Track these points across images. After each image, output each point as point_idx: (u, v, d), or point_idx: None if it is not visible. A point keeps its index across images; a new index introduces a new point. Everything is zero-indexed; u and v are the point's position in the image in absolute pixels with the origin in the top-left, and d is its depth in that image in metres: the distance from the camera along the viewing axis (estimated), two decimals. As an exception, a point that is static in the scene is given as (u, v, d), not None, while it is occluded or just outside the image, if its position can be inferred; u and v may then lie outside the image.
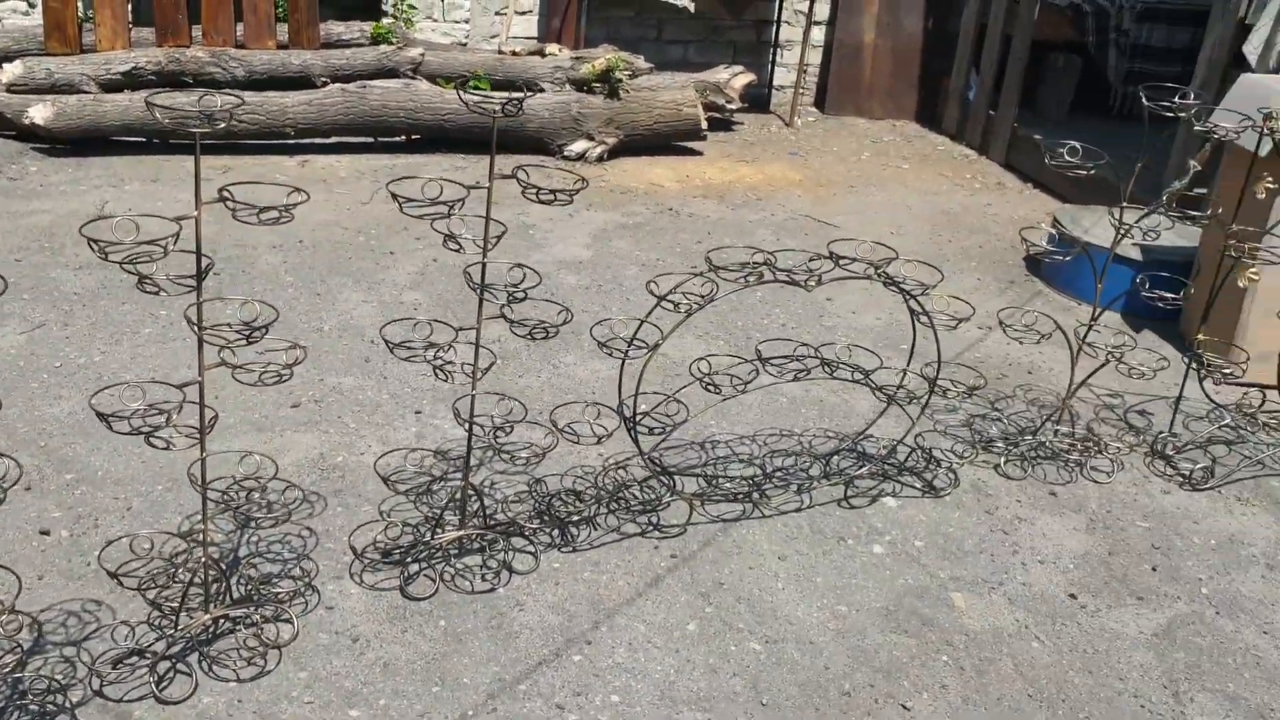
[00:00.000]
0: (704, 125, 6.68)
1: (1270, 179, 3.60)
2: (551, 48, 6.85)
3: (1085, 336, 3.61)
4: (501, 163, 2.60)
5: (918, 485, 3.54)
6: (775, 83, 8.16)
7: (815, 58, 8.22)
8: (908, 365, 3.45)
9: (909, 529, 3.34)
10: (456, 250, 2.61)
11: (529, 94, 2.51)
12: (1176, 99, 3.33)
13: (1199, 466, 3.73)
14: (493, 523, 3.08)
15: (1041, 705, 2.71)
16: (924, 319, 3.27)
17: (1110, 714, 2.71)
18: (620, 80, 6.46)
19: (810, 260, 3.06)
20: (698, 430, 3.73)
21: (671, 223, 5.66)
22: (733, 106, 7.20)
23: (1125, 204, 3.52)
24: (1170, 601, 3.14)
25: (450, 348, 2.71)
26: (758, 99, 8.03)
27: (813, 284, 3.01)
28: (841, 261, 3.04)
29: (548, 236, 5.31)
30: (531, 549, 3.05)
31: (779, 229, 5.72)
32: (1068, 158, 3.31)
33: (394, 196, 2.50)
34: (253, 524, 2.99)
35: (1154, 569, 3.28)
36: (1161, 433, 3.90)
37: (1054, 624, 3.00)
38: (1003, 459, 3.71)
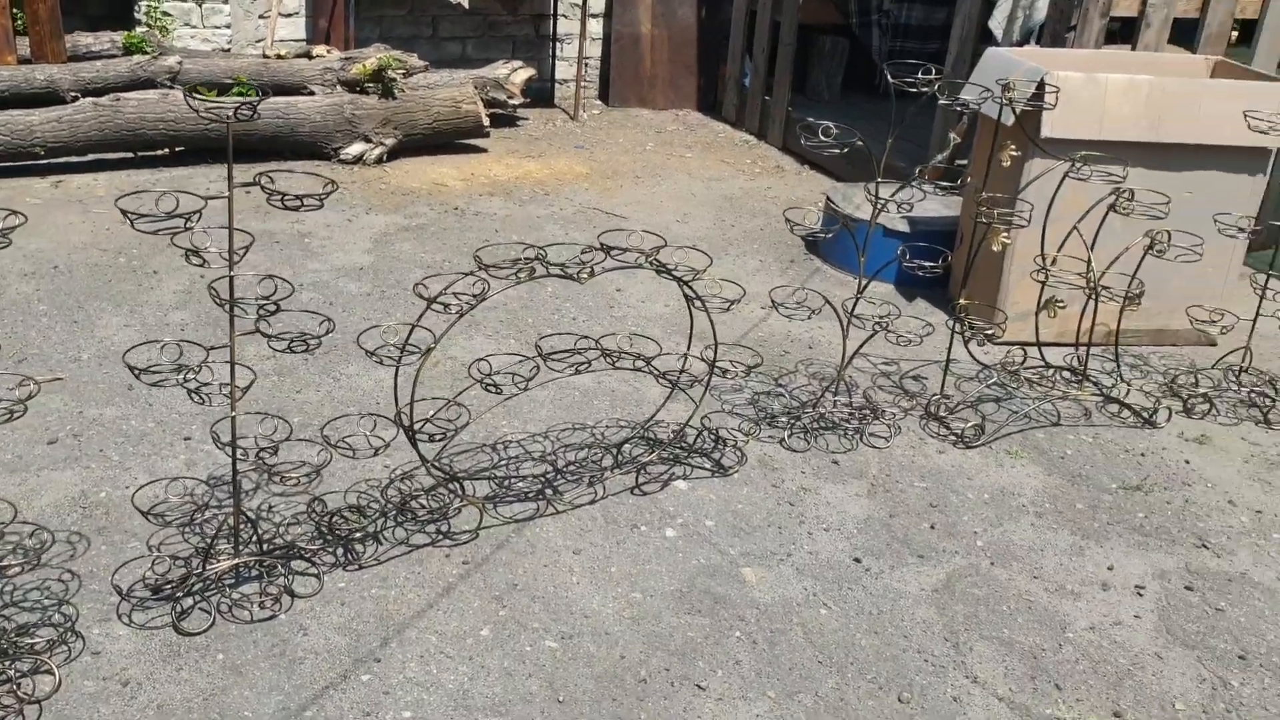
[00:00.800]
0: (486, 122, 6.61)
1: (1014, 147, 3.80)
2: (319, 49, 6.64)
3: (853, 309, 3.73)
4: (276, 170, 2.48)
5: (707, 466, 3.59)
6: (557, 76, 8.15)
7: (595, 50, 8.25)
8: (688, 350, 3.49)
9: (700, 510, 3.38)
10: (200, 265, 2.48)
11: (263, 96, 2.40)
12: (919, 75, 3.47)
13: (970, 425, 3.91)
14: (270, 548, 2.95)
15: (831, 670, 2.79)
16: (698, 304, 3.31)
17: (896, 671, 2.81)
18: (394, 80, 6.31)
19: (583, 252, 3.05)
20: (489, 432, 3.68)
21: (457, 222, 5.57)
22: (515, 102, 7.15)
23: (881, 179, 3.66)
24: (949, 557, 3.28)
25: (203, 368, 2.57)
26: (541, 94, 8.01)
27: (585, 276, 3.01)
28: (613, 252, 3.05)
29: (325, 244, 5.14)
30: (314, 571, 2.94)
31: (567, 223, 5.71)
32: (823, 138, 3.41)
33: (124, 214, 2.35)
34: (1, 572, 2.77)
35: (932, 527, 3.42)
36: (934, 395, 4.07)
37: (840, 589, 3.09)
38: (787, 433, 3.80)
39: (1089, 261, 3.98)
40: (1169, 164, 4.45)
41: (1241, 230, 4.04)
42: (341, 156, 6.18)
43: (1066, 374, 4.24)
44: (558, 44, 8.07)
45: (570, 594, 2.97)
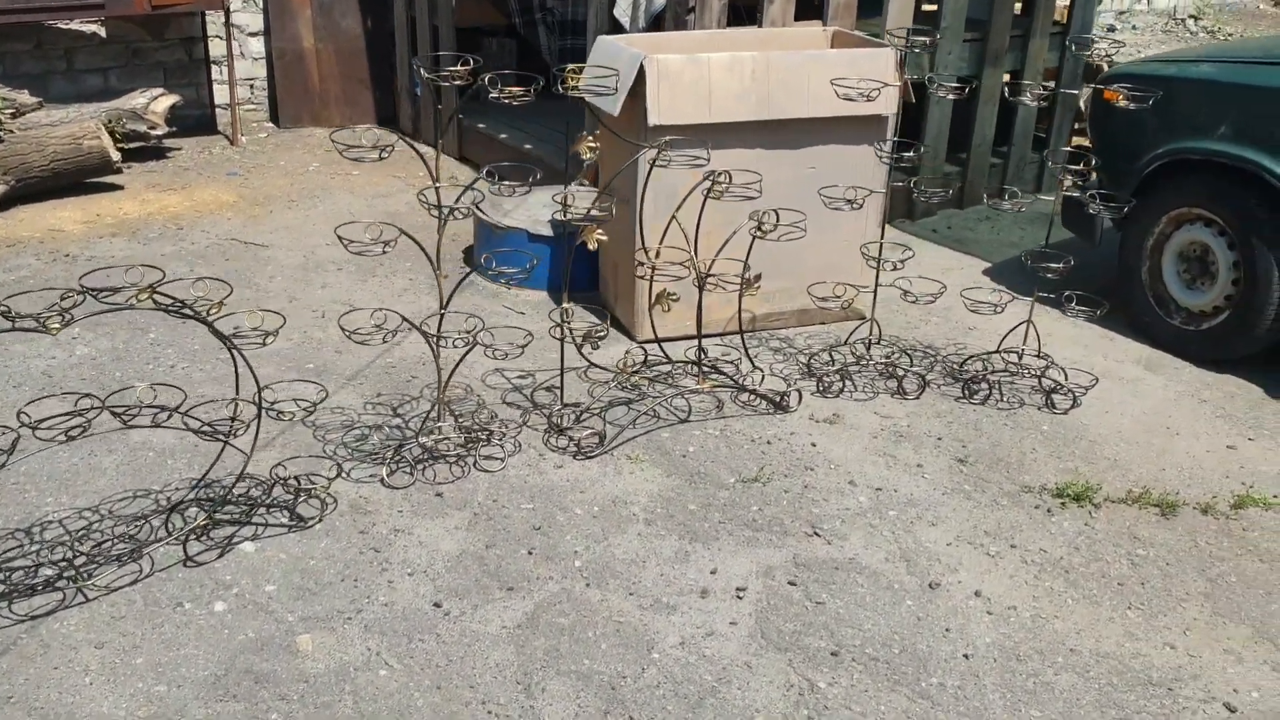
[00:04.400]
0: (115, 157, 6.02)
1: (592, 139, 3.58)
2: (-92, 94, 5.92)
3: (439, 327, 3.44)
4: None
5: (284, 520, 3.22)
6: (219, 101, 7.58)
7: (261, 71, 7.74)
8: (237, 394, 3.10)
9: (263, 574, 3.00)
10: None
11: None
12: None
13: (588, 434, 3.68)
14: None
15: (373, 743, 2.47)
16: (228, 341, 2.94)
17: (450, 731, 2.51)
18: (1, 121, 5.67)
19: (61, 298, 2.63)
20: (27, 513, 3.20)
21: (64, 271, 5.00)
22: (158, 132, 6.57)
23: (500, 186, 3.37)
24: (541, 584, 3.02)
25: None
26: (203, 121, 7.45)
27: (57, 325, 2.59)
28: (101, 294, 2.65)
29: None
30: None
31: (197, 258, 5.22)
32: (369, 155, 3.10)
33: None
34: None
35: (530, 553, 3.15)
36: (557, 406, 3.82)
37: (409, 643, 2.78)
38: (386, 469, 3.47)
39: (693, 252, 3.81)
40: (787, 141, 4.35)
41: (849, 202, 3.95)
42: (-62, 210, 5.51)
43: (698, 367, 4.07)
44: (214, 67, 7.52)
45: (78, 698, 2.55)
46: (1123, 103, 3.76)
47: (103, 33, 7.10)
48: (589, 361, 3.88)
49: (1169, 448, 3.84)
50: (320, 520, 3.22)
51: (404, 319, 3.40)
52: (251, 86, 7.75)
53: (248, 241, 5.47)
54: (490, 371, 4.15)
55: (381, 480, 3.43)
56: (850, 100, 3.86)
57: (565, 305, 3.67)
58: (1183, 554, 3.25)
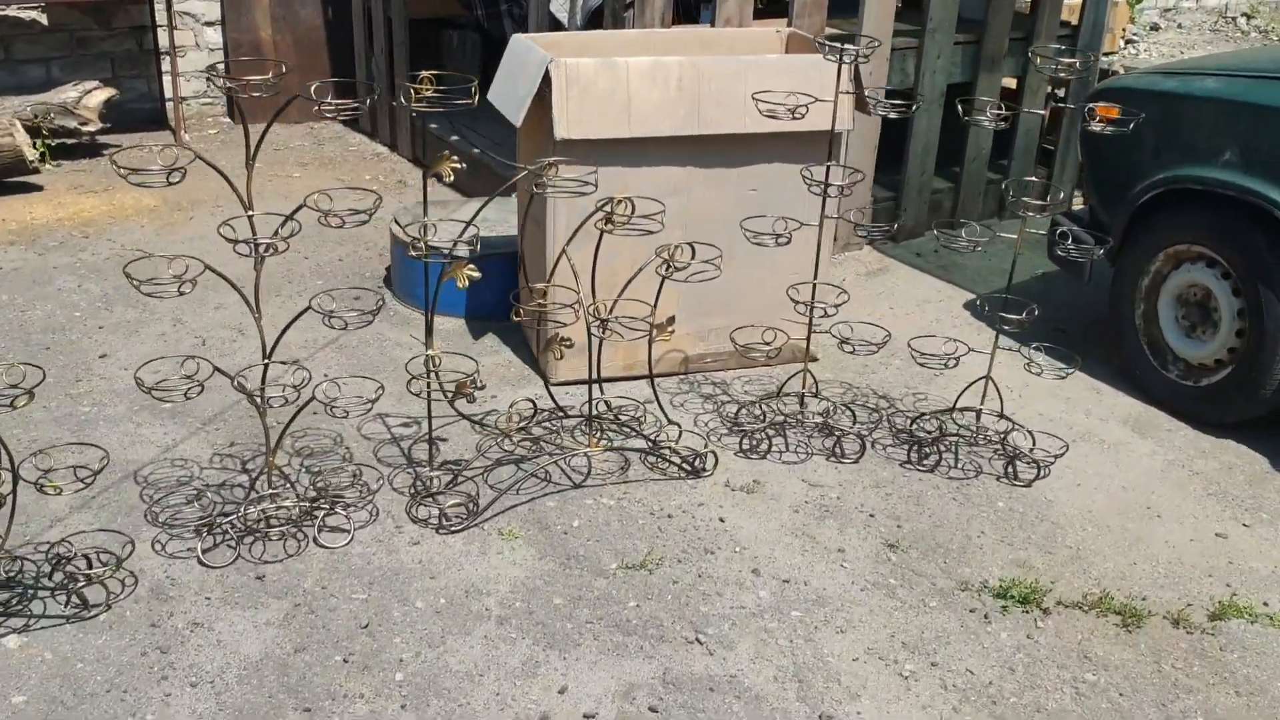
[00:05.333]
0: (29, 155, 5.59)
1: (455, 159, 3.06)
2: None
3: (264, 378, 2.93)
4: None
5: (63, 608, 2.73)
6: (171, 95, 7.13)
7: (216, 61, 7.28)
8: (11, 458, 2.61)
9: (17, 679, 2.51)
10: None
11: None
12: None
13: (454, 503, 3.16)
14: None
15: None
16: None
17: None
18: (-99, 115, 5.26)
19: None
20: None
21: (-60, 285, 4.57)
22: (91, 128, 6.14)
23: (328, 218, 2.87)
24: (347, 705, 2.50)
25: None
26: (154, 115, 7.02)
27: None
28: None
29: None
30: None
31: (91, 272, 4.77)
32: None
33: None
34: None
35: (346, 660, 2.63)
36: (427, 467, 3.31)
37: (159, 784, 2.28)
38: (203, 542, 2.97)
39: (591, 290, 3.28)
40: (723, 159, 3.80)
41: (776, 236, 3.39)
42: None
43: (591, 423, 3.53)
44: (164, 58, 7.06)
45: None
46: (1097, 127, 3.16)
47: (44, 20, 6.67)
48: (460, 415, 3.36)
49: (1145, 534, 3.24)
50: (108, 608, 2.73)
51: (216, 368, 2.89)
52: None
53: (150, 254, 5.00)
54: (371, 418, 3.65)
55: (198, 557, 2.94)
56: (774, 117, 3.30)
57: (429, 353, 3.14)
58: (1141, 681, 2.67)
